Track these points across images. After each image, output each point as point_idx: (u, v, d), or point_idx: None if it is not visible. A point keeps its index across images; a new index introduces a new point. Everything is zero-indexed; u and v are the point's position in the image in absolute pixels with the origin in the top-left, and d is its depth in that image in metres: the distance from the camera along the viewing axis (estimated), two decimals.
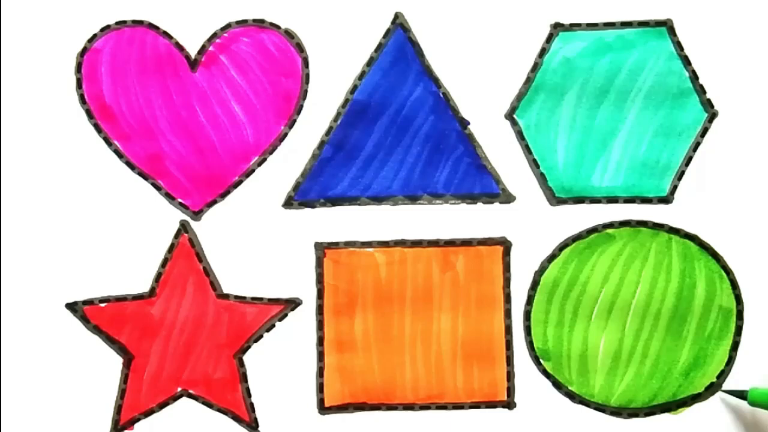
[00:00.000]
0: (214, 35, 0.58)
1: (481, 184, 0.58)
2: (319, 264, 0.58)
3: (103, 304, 0.58)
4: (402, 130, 0.58)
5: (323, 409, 0.58)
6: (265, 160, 0.58)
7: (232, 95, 0.58)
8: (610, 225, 0.58)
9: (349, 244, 0.58)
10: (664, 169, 0.57)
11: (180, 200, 0.59)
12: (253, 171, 0.58)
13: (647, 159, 0.57)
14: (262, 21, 0.58)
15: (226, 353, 0.58)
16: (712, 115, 0.57)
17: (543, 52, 0.58)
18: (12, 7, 0.58)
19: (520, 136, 0.58)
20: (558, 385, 0.58)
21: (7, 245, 0.58)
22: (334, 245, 0.58)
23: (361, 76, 0.58)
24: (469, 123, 0.58)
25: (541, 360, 0.58)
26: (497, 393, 0.58)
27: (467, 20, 0.57)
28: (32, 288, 0.58)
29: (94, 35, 0.58)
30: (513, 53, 0.58)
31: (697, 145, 0.57)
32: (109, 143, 0.58)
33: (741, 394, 0.55)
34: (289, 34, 0.58)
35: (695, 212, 0.57)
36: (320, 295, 0.58)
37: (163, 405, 0.58)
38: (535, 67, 0.58)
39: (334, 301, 0.58)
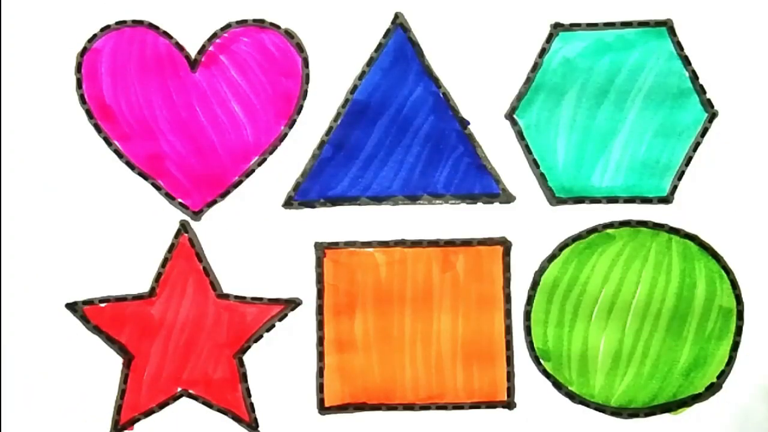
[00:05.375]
0: (214, 35, 0.58)
1: (481, 184, 0.58)
2: (319, 264, 0.58)
3: (103, 304, 0.58)
4: (402, 130, 0.58)
5: (323, 409, 0.58)
6: (265, 160, 0.58)
7: (232, 95, 0.58)
8: (610, 225, 0.58)
9: (349, 244, 0.58)
10: (664, 169, 0.57)
11: (180, 200, 0.59)
12: (253, 171, 0.58)
13: (647, 159, 0.57)
14: (262, 21, 0.58)
15: (226, 353, 0.58)
16: (712, 115, 0.57)
17: (543, 52, 0.58)
18: (12, 7, 0.58)
19: (520, 136, 0.58)
20: (558, 386, 0.58)
21: (7, 245, 0.58)
22: (334, 245, 0.58)
23: (361, 76, 0.58)
24: (469, 123, 0.58)
25: (541, 360, 0.58)
26: (497, 393, 0.58)
27: (467, 20, 0.58)
28: (32, 288, 0.58)
29: (94, 35, 0.58)
30: (513, 53, 0.58)
31: (697, 145, 0.57)
32: (109, 143, 0.58)
33: None
34: (289, 34, 0.58)
35: (695, 212, 0.57)
36: (320, 295, 0.58)
37: (163, 405, 0.58)
38: (535, 67, 0.58)
39: (334, 301, 0.58)
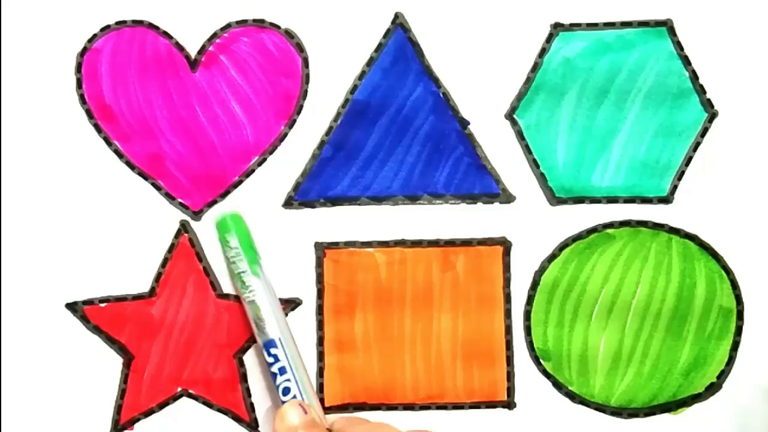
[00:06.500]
0: (214, 35, 0.58)
1: (481, 184, 0.58)
2: (319, 264, 0.58)
3: (103, 304, 0.58)
4: (402, 130, 0.58)
5: (323, 409, 0.58)
6: (265, 160, 0.58)
7: (232, 95, 0.58)
8: (610, 225, 0.58)
9: (349, 244, 0.58)
10: (664, 169, 0.57)
11: (180, 200, 0.59)
12: (253, 171, 0.58)
13: (647, 159, 0.57)
14: (262, 21, 0.58)
15: (226, 353, 0.58)
16: (712, 115, 0.57)
17: (543, 52, 0.58)
18: (12, 7, 0.58)
19: (520, 136, 0.58)
20: (558, 386, 0.58)
21: (7, 245, 0.58)
22: (334, 245, 0.58)
23: (361, 76, 0.58)
24: (469, 123, 0.58)
25: (541, 360, 0.58)
26: (497, 393, 0.58)
27: (467, 20, 0.58)
28: (32, 288, 0.58)
29: (94, 35, 0.58)
30: (513, 53, 0.58)
31: (697, 145, 0.57)
32: (109, 143, 0.58)
33: None
34: (289, 34, 0.58)
35: (695, 212, 0.57)
36: (320, 295, 0.58)
37: (163, 405, 0.58)
38: (535, 67, 0.58)
39: (334, 301, 0.58)
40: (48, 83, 0.58)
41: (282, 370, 0.53)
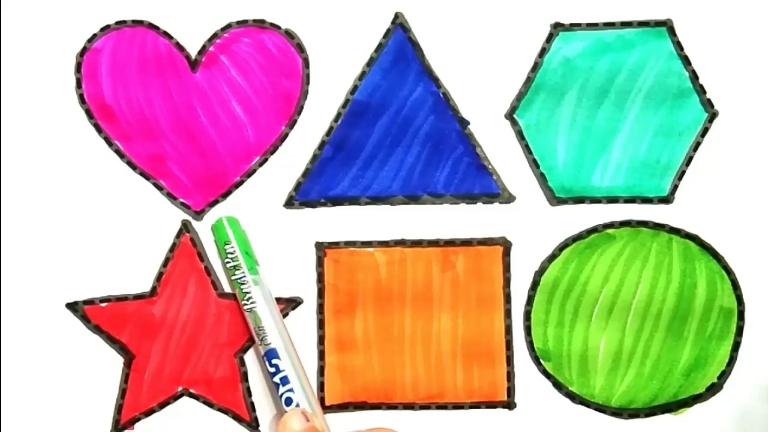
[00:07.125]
0: (215, 35, 0.58)
1: (481, 184, 0.58)
2: (320, 263, 0.58)
3: (103, 304, 0.58)
4: (402, 130, 0.58)
5: (324, 407, 0.58)
6: (266, 160, 0.59)
7: (232, 95, 0.58)
8: (611, 225, 0.58)
9: (349, 243, 0.58)
10: (665, 169, 0.57)
11: (182, 200, 0.59)
12: (254, 171, 0.59)
13: (647, 159, 0.57)
14: (262, 21, 0.58)
15: (227, 352, 0.58)
16: (712, 115, 0.57)
17: (543, 52, 0.58)
18: (12, 7, 0.58)
19: (520, 136, 0.58)
20: (558, 386, 0.58)
21: (7, 245, 0.58)
22: (334, 245, 0.58)
23: (361, 77, 0.58)
24: (469, 123, 0.58)
25: (541, 360, 0.58)
26: (497, 393, 0.58)
27: (467, 20, 0.58)
28: (32, 288, 0.58)
29: (94, 35, 0.58)
30: (513, 53, 0.58)
31: (697, 145, 0.57)
32: (110, 143, 0.58)
33: None
34: (290, 35, 0.58)
35: (696, 212, 0.57)
36: (321, 294, 0.58)
37: (163, 404, 0.58)
38: (535, 67, 0.57)
39: (335, 301, 0.58)
40: (48, 83, 0.58)
41: (284, 380, 0.54)
